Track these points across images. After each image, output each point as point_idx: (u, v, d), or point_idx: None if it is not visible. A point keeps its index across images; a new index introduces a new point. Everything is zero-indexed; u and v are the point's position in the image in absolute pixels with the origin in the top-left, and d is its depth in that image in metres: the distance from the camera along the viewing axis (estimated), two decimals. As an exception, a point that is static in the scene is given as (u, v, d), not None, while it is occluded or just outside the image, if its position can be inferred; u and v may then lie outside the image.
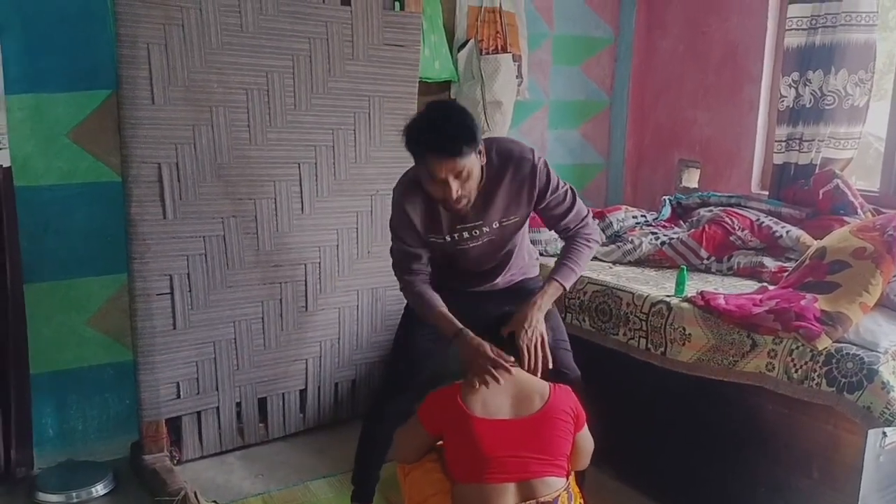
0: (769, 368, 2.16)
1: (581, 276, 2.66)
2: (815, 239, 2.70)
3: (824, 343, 2.05)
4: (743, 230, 2.93)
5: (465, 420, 1.79)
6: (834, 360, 2.02)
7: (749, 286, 2.64)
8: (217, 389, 2.81)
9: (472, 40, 3.42)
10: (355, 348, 3.11)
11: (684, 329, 2.39)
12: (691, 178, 3.80)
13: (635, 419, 2.60)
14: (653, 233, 3.15)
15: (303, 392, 3.03)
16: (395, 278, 2.16)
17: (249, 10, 2.62)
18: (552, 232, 2.32)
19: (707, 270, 2.93)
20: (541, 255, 2.91)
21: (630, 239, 3.11)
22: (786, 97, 3.17)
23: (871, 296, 2.17)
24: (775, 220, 2.96)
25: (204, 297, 2.71)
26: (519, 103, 3.63)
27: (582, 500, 1.89)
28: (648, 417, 2.59)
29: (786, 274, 2.54)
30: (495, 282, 2.22)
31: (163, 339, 2.65)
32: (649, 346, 2.51)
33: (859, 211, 2.86)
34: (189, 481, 2.55)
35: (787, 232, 2.84)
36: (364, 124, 2.94)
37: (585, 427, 1.89)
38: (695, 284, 2.65)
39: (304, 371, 3.00)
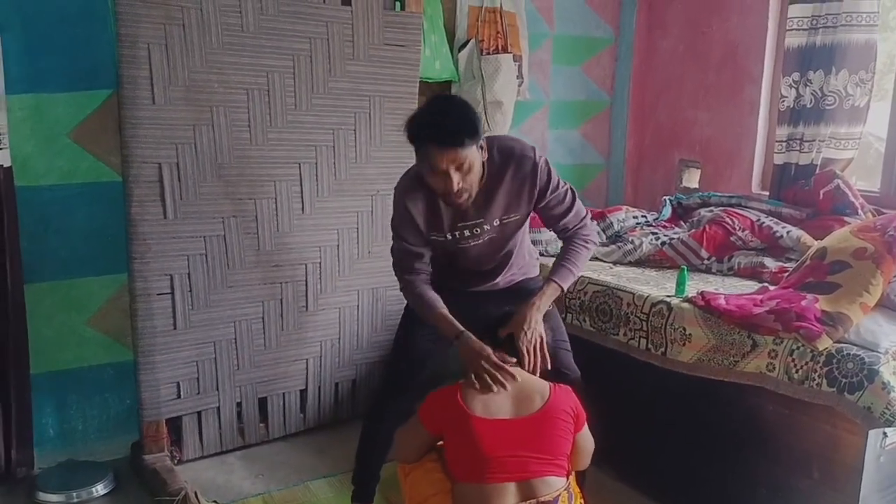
0: (770, 369, 2.15)
1: (581, 277, 2.69)
2: (816, 239, 2.70)
3: (825, 343, 2.05)
4: (743, 230, 2.93)
5: (466, 420, 1.79)
6: (834, 361, 2.02)
7: (749, 286, 2.63)
8: (217, 389, 2.81)
9: (472, 40, 3.42)
10: (356, 348, 3.11)
11: (685, 329, 2.38)
12: (692, 179, 3.80)
13: (635, 419, 2.59)
14: (653, 233, 3.15)
15: (303, 392, 3.03)
16: (396, 278, 2.16)
17: (250, 10, 2.62)
18: (552, 232, 2.32)
19: (707, 271, 2.93)
20: (541, 255, 2.90)
21: (630, 239, 3.11)
22: (786, 97, 3.17)
23: (871, 296, 2.17)
24: (776, 220, 2.96)
25: (204, 296, 2.71)
26: (519, 103, 3.63)
27: (582, 500, 1.89)
28: (649, 418, 2.59)
29: (786, 274, 2.54)
30: (496, 281, 2.22)
31: (163, 339, 2.65)
32: (650, 346, 2.51)
33: (860, 211, 2.86)
34: (189, 481, 2.55)
35: (788, 232, 2.84)
36: (364, 124, 2.94)
37: (586, 427, 1.89)
38: (695, 285, 2.64)
39: (305, 371, 3.00)
